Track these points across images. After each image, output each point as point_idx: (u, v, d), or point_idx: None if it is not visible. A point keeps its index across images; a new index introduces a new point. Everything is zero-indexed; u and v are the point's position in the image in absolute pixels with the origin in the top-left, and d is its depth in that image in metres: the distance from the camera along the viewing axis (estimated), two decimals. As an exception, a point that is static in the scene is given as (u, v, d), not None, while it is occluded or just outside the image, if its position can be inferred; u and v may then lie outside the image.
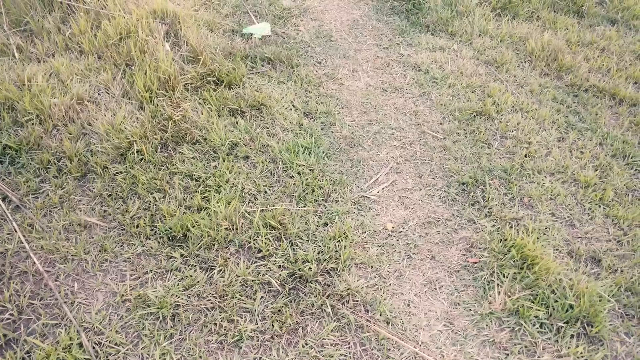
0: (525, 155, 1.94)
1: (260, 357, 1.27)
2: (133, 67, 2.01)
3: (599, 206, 1.79)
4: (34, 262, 1.46)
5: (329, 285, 1.45)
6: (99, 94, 1.93)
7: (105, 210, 1.61)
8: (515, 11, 2.77)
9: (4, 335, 1.26)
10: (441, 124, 2.07)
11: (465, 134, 2.02)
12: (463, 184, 1.82)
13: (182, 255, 1.50)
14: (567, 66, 2.40)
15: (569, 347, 1.33)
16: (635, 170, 1.96)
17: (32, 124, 1.76)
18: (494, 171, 1.87)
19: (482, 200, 1.76)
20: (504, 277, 1.50)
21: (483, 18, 2.71)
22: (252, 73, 2.21)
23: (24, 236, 1.51)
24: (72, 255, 1.49)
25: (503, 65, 2.40)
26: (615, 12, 2.84)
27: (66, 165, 1.68)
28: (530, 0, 2.83)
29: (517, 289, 1.48)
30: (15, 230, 1.51)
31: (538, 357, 1.32)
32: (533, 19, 2.75)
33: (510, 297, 1.44)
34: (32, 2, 2.26)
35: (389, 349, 1.30)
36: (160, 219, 1.58)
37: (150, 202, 1.63)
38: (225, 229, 1.56)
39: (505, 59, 2.43)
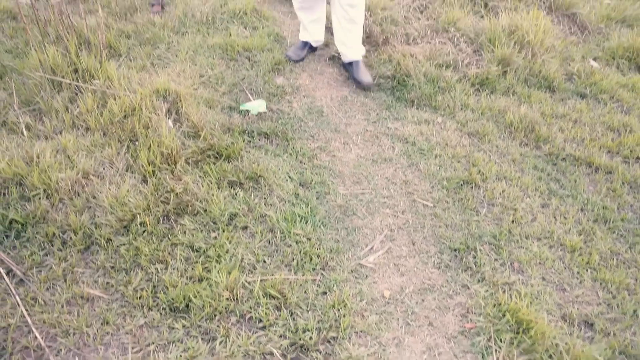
0: (512, 221, 2.04)
1: None
2: (137, 143, 2.11)
3: (587, 270, 1.87)
4: (36, 337, 1.46)
5: (330, 355, 1.47)
6: (104, 169, 2.01)
7: (108, 282, 1.64)
8: (492, 87, 2.98)
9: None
10: (430, 192, 2.18)
11: (454, 201, 2.12)
12: (455, 250, 1.90)
13: (184, 326, 1.52)
14: (544, 137, 2.57)
15: (568, 411, 1.35)
16: (617, 234, 2.06)
17: (39, 198, 1.82)
18: (483, 237, 1.95)
19: (474, 266, 1.82)
20: (501, 342, 1.54)
21: (463, 93, 2.91)
22: (250, 147, 2.32)
23: (27, 310, 1.52)
24: (74, 329, 1.50)
25: (485, 136, 2.56)
26: (583, 87, 3.06)
27: (70, 237, 1.73)
28: (506, 77, 3.05)
29: (515, 354, 1.51)
30: (18, 304, 1.53)
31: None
32: (509, 93, 2.96)
33: (507, 361, 1.47)
34: (42, 84, 2.39)
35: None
36: (162, 290, 1.61)
37: (153, 273, 1.66)
38: (227, 299, 1.60)
39: (486, 130, 2.59)
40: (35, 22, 2.66)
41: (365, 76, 2.92)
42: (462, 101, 2.84)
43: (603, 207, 2.17)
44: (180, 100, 2.40)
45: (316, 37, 3.10)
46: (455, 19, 3.57)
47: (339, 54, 3.11)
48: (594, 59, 3.42)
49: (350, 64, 2.99)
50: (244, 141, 2.33)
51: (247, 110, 2.59)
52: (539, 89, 3.03)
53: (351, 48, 2.91)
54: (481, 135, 2.57)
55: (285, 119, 2.58)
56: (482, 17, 3.67)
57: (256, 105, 2.61)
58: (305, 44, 3.14)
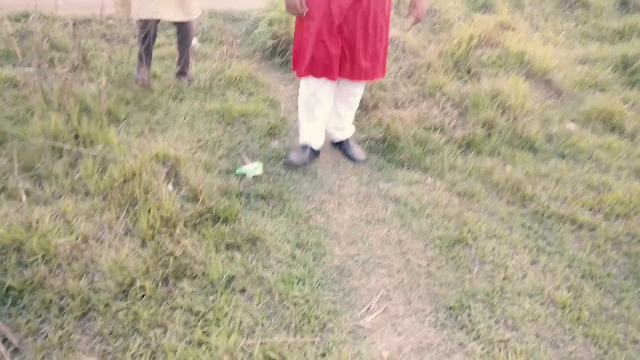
0: (504, 279, 2.08)
1: None
2: (136, 207, 2.16)
3: (578, 326, 1.91)
4: (33, 406, 1.44)
5: (331, 418, 1.46)
6: (103, 233, 2.04)
7: (105, 350, 1.63)
8: (478, 148, 3.12)
9: None
10: (424, 251, 2.23)
11: (447, 260, 2.18)
12: (450, 308, 1.93)
13: (184, 392, 1.51)
14: (529, 195, 2.67)
15: None
16: (604, 290, 2.11)
17: (37, 264, 1.83)
18: (477, 295, 1.99)
19: (469, 324, 1.85)
20: (499, 401, 1.55)
21: (451, 154, 3.03)
22: (247, 209, 2.38)
23: (24, 378, 1.51)
24: (71, 397, 1.48)
25: (473, 196, 2.65)
26: (562, 147, 3.22)
27: (68, 304, 1.73)
28: (490, 139, 3.19)
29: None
30: (15, 373, 1.51)
31: None
32: (495, 154, 3.09)
33: (508, 421, 1.48)
34: (43, 150, 2.46)
35: None
36: (161, 356, 1.61)
37: (151, 338, 1.66)
38: (226, 363, 1.59)
39: (475, 190, 2.69)
40: (39, 90, 2.77)
41: (358, 153, 2.95)
42: (450, 162, 2.96)
43: (589, 264, 2.23)
44: (179, 165, 2.47)
45: (319, 140, 2.85)
46: (441, 84, 3.77)
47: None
48: (572, 121, 3.61)
49: (341, 143, 3.01)
50: (241, 204, 2.39)
51: (244, 174, 2.67)
52: (522, 150, 3.17)
53: (343, 130, 2.96)
54: (470, 195, 2.66)
55: (280, 181, 2.66)
56: (465, 82, 3.88)
57: (252, 169, 2.69)
58: (306, 147, 2.84)
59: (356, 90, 2.79)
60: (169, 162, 2.46)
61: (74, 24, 4.71)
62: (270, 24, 4.40)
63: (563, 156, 3.17)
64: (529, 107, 3.50)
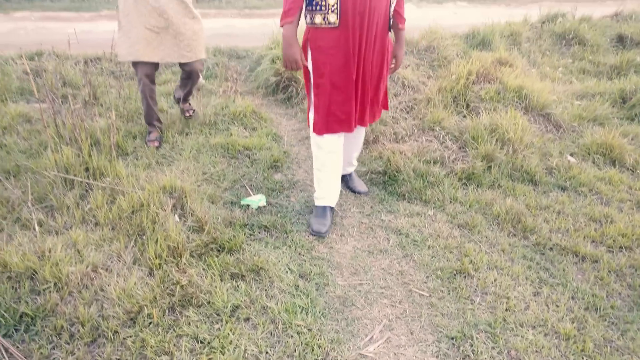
0: (506, 310, 2.10)
1: None
2: (144, 237, 2.21)
3: (582, 358, 1.91)
4: None
5: None
6: (112, 262, 2.09)
7: (112, 376, 1.66)
8: (478, 181, 3.17)
9: None
10: (425, 282, 2.26)
11: (449, 291, 2.20)
12: (452, 338, 1.94)
13: (188, 420, 1.53)
14: (531, 227, 2.71)
15: None
16: (609, 322, 2.12)
17: (49, 291, 1.87)
18: (479, 325, 2.01)
19: (472, 354, 1.86)
20: None
21: (452, 187, 3.09)
22: (251, 240, 2.43)
23: (31, 405, 1.53)
24: None
25: (474, 227, 2.69)
26: (563, 180, 3.27)
27: (78, 330, 1.77)
28: (490, 172, 3.25)
29: None
30: (23, 400, 1.53)
31: None
32: (495, 187, 3.14)
33: None
34: (55, 182, 2.53)
35: None
36: (166, 383, 1.63)
37: (157, 366, 1.69)
38: (231, 391, 1.61)
39: (475, 222, 2.73)
40: (52, 124, 2.87)
41: (360, 186, 3.04)
42: (451, 195, 3.01)
43: (593, 295, 2.25)
44: (185, 196, 2.53)
45: (336, 195, 2.72)
46: (440, 118, 3.86)
47: None
48: (571, 155, 3.67)
49: (344, 176, 3.04)
50: (245, 234, 2.44)
51: (248, 205, 2.73)
52: (522, 183, 3.22)
53: (349, 166, 3.00)
54: (471, 227, 2.70)
55: (284, 212, 2.71)
56: (464, 117, 3.97)
57: (256, 200, 2.75)
58: (325, 208, 2.68)
59: (362, 132, 2.85)
60: (176, 194, 2.53)
61: (85, 62, 4.89)
62: (273, 61, 4.55)
63: (564, 189, 3.22)
64: (528, 140, 3.57)
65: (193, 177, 2.92)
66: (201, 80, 4.67)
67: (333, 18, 2.27)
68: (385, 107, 2.75)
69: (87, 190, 2.52)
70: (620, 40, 6.60)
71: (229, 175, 3.04)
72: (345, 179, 3.05)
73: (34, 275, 1.94)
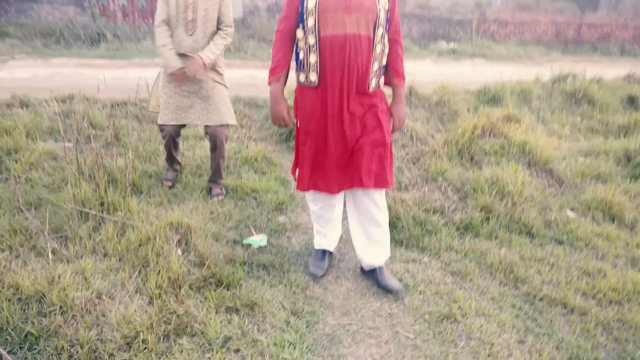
0: (489, 355, 2.15)
1: None
2: (148, 268, 2.36)
3: (561, 406, 1.94)
4: None
5: None
6: (116, 290, 2.23)
7: (104, 397, 1.76)
8: (476, 231, 3.26)
9: None
10: (413, 325, 2.33)
11: (434, 334, 2.27)
12: (433, 380, 2.00)
13: None
14: (522, 278, 2.77)
15: None
16: (591, 372, 2.15)
17: (55, 314, 2.01)
18: (461, 370, 2.06)
19: (451, 397, 1.92)
20: None
21: (449, 236, 3.18)
22: (249, 277, 2.55)
23: (27, 419, 1.64)
24: None
25: (467, 275, 2.77)
26: (560, 234, 3.34)
27: (77, 351, 1.89)
28: (489, 222, 3.34)
29: None
30: (20, 413, 1.64)
31: None
32: (492, 237, 3.23)
33: None
34: (72, 214, 2.72)
35: None
36: (154, 406, 1.72)
37: (147, 389, 1.79)
38: (213, 417, 1.69)
39: (468, 270, 2.81)
40: (74, 162, 3.10)
41: (393, 281, 2.57)
42: (447, 243, 3.10)
43: (577, 346, 2.28)
44: (191, 233, 2.69)
45: (335, 240, 2.77)
46: (444, 170, 4.00)
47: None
48: (571, 209, 3.74)
49: (373, 270, 2.63)
50: (243, 271, 2.57)
51: (250, 244, 2.87)
52: (519, 234, 3.30)
53: (376, 255, 2.59)
54: (463, 275, 2.78)
55: (283, 253, 2.84)
56: (467, 169, 4.10)
57: (258, 240, 2.89)
58: (324, 252, 2.74)
59: (370, 202, 2.49)
60: (182, 230, 2.69)
61: (112, 105, 5.22)
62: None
63: (560, 242, 3.28)
64: (528, 194, 3.67)
65: (200, 215, 3.08)
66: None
67: (314, 77, 2.32)
68: (385, 181, 2.43)
69: (100, 223, 2.70)
70: (631, 101, 6.73)
71: (235, 215, 3.20)
72: (375, 275, 2.61)
73: (42, 298, 2.09)
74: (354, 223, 2.62)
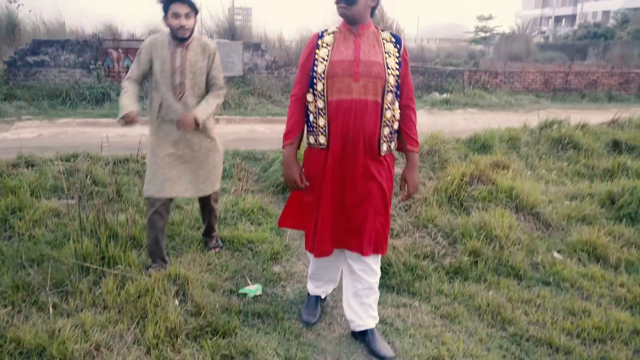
0: (476, 396, 2.21)
1: None
2: (146, 319, 2.45)
3: None
4: None
5: None
6: (114, 342, 2.32)
7: None
8: (465, 274, 3.36)
9: None
10: (402, 368, 2.40)
11: (423, 376, 2.34)
12: (422, 422, 2.06)
13: None
14: (509, 319, 2.85)
15: None
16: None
17: (56, 366, 2.10)
18: (450, 411, 2.12)
19: None
20: None
21: (439, 280, 3.28)
22: (244, 325, 2.64)
23: None
24: None
25: (456, 318, 2.85)
26: (547, 275, 3.43)
27: (76, 402, 1.96)
28: (477, 266, 3.45)
29: None
30: None
31: None
32: (480, 281, 3.32)
33: None
34: (73, 268, 2.84)
35: None
36: None
37: None
38: None
39: (457, 313, 2.89)
40: (77, 218, 3.25)
41: (385, 348, 2.51)
42: (437, 287, 3.19)
43: (563, 385, 2.34)
44: (188, 283, 2.80)
45: (329, 290, 2.90)
46: (434, 216, 4.14)
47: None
48: (558, 252, 3.85)
49: (364, 332, 2.58)
50: (239, 320, 2.66)
51: (245, 293, 2.96)
52: (507, 277, 3.39)
53: (366, 317, 2.57)
54: (452, 317, 2.86)
55: (278, 301, 2.93)
56: (457, 215, 4.24)
57: (253, 289, 2.99)
58: (317, 298, 2.84)
59: (365, 265, 2.51)
60: (179, 281, 2.80)
61: (115, 163, 5.42)
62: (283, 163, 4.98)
63: (547, 283, 3.37)
64: (515, 237, 3.79)
65: (198, 267, 3.20)
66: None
67: (322, 139, 2.37)
68: (382, 248, 2.51)
69: (100, 277, 2.82)
70: (616, 146, 6.94)
71: (231, 265, 3.31)
72: (366, 339, 2.57)
73: (42, 352, 2.18)
74: (347, 284, 2.63)
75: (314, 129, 2.40)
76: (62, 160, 5.21)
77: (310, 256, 2.66)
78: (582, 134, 6.98)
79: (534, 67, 18.04)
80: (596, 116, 9.49)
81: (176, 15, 2.87)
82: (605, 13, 53.90)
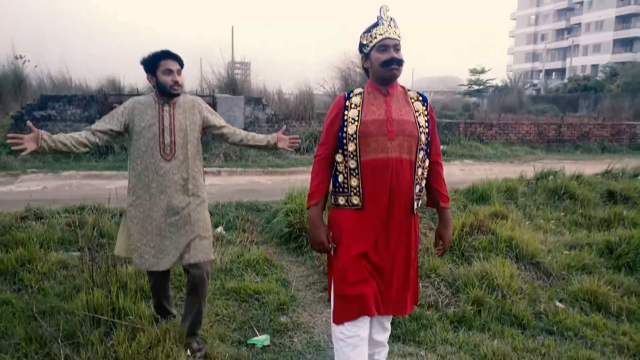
0: None
1: None
2: (157, 370, 2.49)
3: None
4: None
5: None
6: (127, 392, 2.34)
7: None
8: (469, 324, 3.41)
9: None
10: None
11: None
12: None
13: None
14: (516, 368, 2.87)
15: None
16: None
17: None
18: None
19: None
20: None
21: (443, 329, 3.32)
22: (253, 376, 2.67)
23: None
24: None
25: (462, 368, 2.88)
26: (550, 325, 3.47)
27: None
28: (481, 315, 3.49)
29: None
30: None
31: None
32: (484, 329, 3.36)
33: None
34: (84, 320, 2.89)
35: None
36: None
37: None
38: None
39: (463, 362, 2.92)
40: (87, 270, 3.32)
41: None
42: (442, 336, 3.23)
43: None
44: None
45: None
46: (436, 266, 4.21)
47: None
48: (559, 301, 3.90)
49: None
50: (248, 371, 2.69)
51: (254, 344, 3.00)
52: (510, 326, 3.44)
53: (378, 355, 2.57)
54: (459, 367, 2.89)
55: (286, 352, 2.96)
56: (458, 264, 4.31)
57: (261, 340, 3.03)
58: None
59: (380, 325, 2.50)
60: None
61: (121, 214, 5.52)
62: (287, 214, 5.10)
63: (551, 332, 3.41)
64: (517, 286, 3.85)
65: (206, 318, 3.24)
66: (221, 231, 5.20)
67: (356, 200, 2.29)
68: (415, 301, 2.52)
69: (111, 328, 2.86)
70: (611, 196, 7.09)
71: (239, 316, 3.35)
72: None
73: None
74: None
75: (345, 190, 2.32)
76: (69, 213, 5.32)
77: (339, 334, 2.33)
78: (578, 185, 7.15)
79: (527, 119, 18.52)
80: (590, 167, 9.71)
81: (169, 72, 2.75)
82: (594, 67, 55.85)
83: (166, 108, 2.82)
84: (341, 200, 2.34)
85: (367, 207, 2.27)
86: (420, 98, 2.41)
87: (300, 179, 6.49)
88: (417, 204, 2.36)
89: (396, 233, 2.31)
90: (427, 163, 2.38)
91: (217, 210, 5.92)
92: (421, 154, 2.32)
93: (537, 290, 3.98)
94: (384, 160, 2.23)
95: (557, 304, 3.83)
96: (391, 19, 2.31)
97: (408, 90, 2.41)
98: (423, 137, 2.31)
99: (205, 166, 10.08)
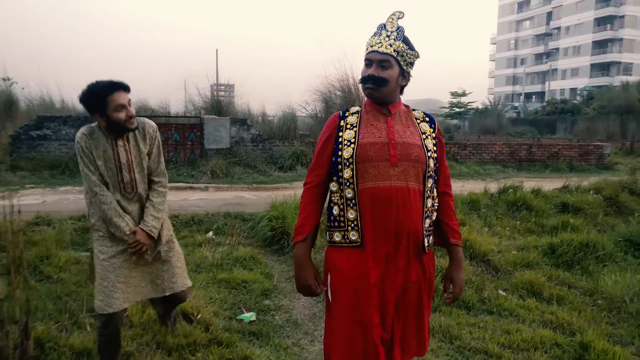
0: (423, 384, 2.88)
1: None
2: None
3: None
4: None
5: None
6: (142, 349, 2.96)
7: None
8: (423, 306, 4.07)
9: None
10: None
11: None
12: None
13: None
14: (456, 336, 3.54)
15: None
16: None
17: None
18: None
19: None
20: None
21: None
22: (243, 340, 3.30)
23: None
24: None
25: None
26: (492, 307, 4.15)
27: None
28: (434, 301, 4.16)
29: None
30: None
31: None
32: (436, 311, 4.03)
33: None
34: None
35: None
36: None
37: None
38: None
39: (414, 333, 3.58)
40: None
41: None
42: (400, 315, 3.89)
43: (493, 379, 3.02)
44: (199, 310, 3.47)
45: None
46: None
47: None
48: (503, 290, 4.59)
49: None
50: (238, 337, 3.32)
51: (242, 319, 3.63)
52: (458, 308, 4.11)
53: None
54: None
55: (269, 325, 3.60)
56: (419, 262, 4.99)
57: (248, 316, 3.67)
58: None
59: None
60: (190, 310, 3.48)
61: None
62: (270, 220, 5.76)
63: (491, 313, 4.09)
64: (467, 278, 4.53)
65: (202, 300, 3.87)
66: (212, 235, 5.83)
67: (354, 236, 1.94)
68: (422, 352, 2.10)
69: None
70: (564, 207, 7.88)
71: (229, 300, 3.99)
72: None
73: (89, 353, 2.82)
74: None
75: (341, 224, 1.97)
76: (75, 220, 5.91)
77: None
78: (534, 197, 7.94)
79: (500, 140, 19.48)
80: (555, 184, 10.54)
81: (121, 107, 2.44)
82: (573, 90, 57.87)
83: (119, 142, 2.55)
84: (337, 237, 1.99)
85: (367, 245, 1.93)
86: (427, 119, 2.09)
87: (284, 193, 7.18)
88: (429, 241, 2.02)
89: (403, 274, 1.94)
90: (435, 193, 2.06)
91: (207, 219, 6.56)
92: (429, 182, 1.99)
93: (484, 282, 4.67)
94: (385, 189, 1.90)
95: (500, 292, 4.53)
96: (398, 28, 1.96)
97: (413, 110, 2.10)
98: (431, 163, 1.99)
99: (193, 182, 10.68)
